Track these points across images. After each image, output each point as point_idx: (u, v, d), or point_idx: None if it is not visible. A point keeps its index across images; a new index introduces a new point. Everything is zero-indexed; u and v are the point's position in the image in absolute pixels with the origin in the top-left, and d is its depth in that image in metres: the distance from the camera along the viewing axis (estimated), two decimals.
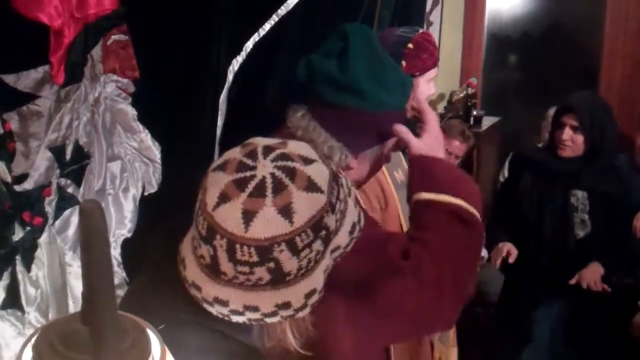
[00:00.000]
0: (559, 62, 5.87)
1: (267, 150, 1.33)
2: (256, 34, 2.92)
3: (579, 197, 3.64)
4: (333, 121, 1.84)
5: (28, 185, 2.48)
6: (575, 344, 3.88)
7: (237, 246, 1.25)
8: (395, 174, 2.60)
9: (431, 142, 1.89)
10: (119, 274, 2.74)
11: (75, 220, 2.59)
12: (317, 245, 1.31)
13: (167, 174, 2.85)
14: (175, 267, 1.39)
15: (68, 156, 2.56)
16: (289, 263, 1.28)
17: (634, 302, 4.37)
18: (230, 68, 2.90)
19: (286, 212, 1.26)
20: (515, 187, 3.82)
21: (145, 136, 2.80)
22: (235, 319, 1.33)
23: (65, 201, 2.58)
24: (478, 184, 2.04)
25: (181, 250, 1.39)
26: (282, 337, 1.41)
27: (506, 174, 4.51)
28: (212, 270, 1.30)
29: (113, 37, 2.64)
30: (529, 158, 3.91)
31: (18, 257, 2.48)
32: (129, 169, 2.78)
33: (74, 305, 2.59)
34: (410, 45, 2.65)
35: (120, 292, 2.72)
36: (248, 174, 1.30)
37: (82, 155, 2.61)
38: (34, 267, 2.52)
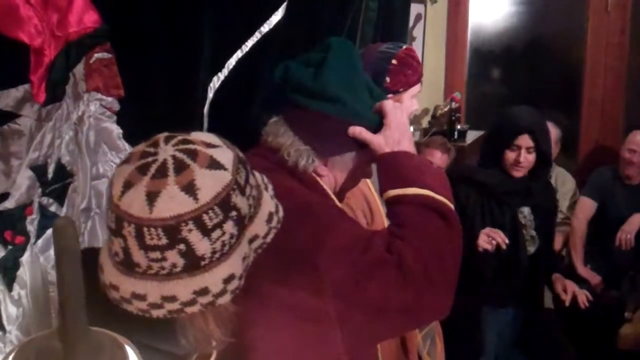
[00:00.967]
0: (542, 76, 5.91)
1: (169, 138, 1.35)
2: (239, 51, 2.93)
3: (525, 214, 3.65)
4: (302, 125, 1.85)
5: (9, 204, 2.46)
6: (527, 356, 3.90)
7: (145, 229, 1.24)
8: None
9: (392, 134, 1.88)
10: None
11: None
12: (229, 226, 1.30)
13: None
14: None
15: (50, 175, 2.55)
16: (201, 245, 1.26)
17: (621, 314, 4.40)
18: (211, 85, 2.90)
19: (190, 189, 1.26)
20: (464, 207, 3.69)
21: None
22: (156, 313, 1.29)
23: (47, 220, 2.56)
24: None
25: (99, 258, 1.35)
26: (205, 327, 1.38)
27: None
28: (126, 264, 1.27)
29: (96, 55, 2.63)
30: (477, 180, 3.73)
31: None
32: None
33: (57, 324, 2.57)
34: (394, 62, 2.66)
35: None
36: (150, 159, 1.30)
37: (64, 174, 2.60)
38: (16, 286, 2.50)
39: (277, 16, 2.93)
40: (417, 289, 1.71)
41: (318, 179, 1.89)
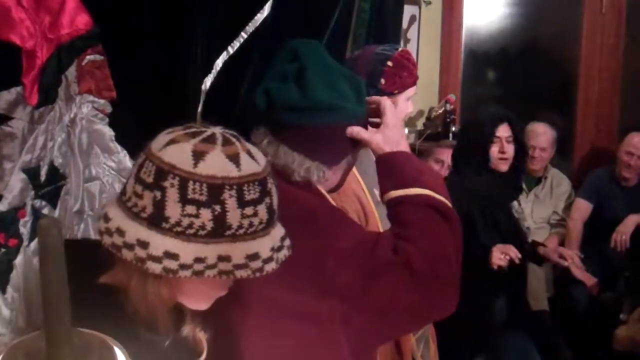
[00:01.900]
0: (537, 78, 5.90)
1: (215, 124, 1.39)
2: (225, 52, 2.92)
3: (516, 207, 3.65)
4: (303, 142, 1.83)
5: (2, 206, 2.46)
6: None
7: (190, 182, 1.26)
8: (375, 191, 2.59)
9: (391, 134, 1.90)
10: None
11: None
12: (262, 211, 1.32)
13: None
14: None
15: (42, 177, 2.55)
16: (233, 214, 1.28)
17: (616, 316, 4.40)
18: (203, 87, 2.90)
19: (234, 159, 1.30)
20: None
21: (124, 157, 2.80)
22: (151, 267, 1.27)
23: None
24: None
25: (104, 207, 1.35)
26: (166, 295, 1.35)
27: None
28: (153, 218, 1.28)
29: (88, 57, 2.63)
30: (474, 189, 3.62)
31: None
32: (108, 189, 2.77)
33: None
34: (389, 63, 2.65)
35: None
36: (199, 129, 1.34)
37: (57, 177, 2.60)
38: (9, 288, 2.50)
39: (262, 14, 2.92)
40: (424, 288, 1.72)
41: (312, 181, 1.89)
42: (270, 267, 1.34)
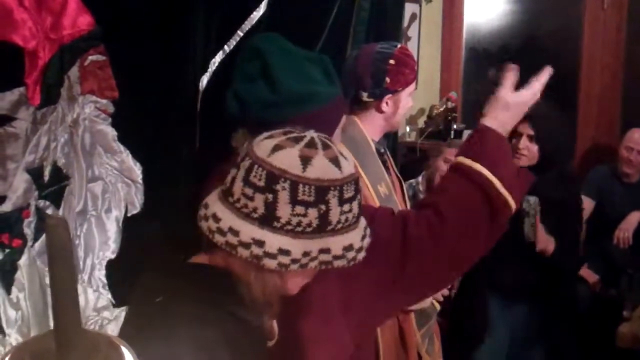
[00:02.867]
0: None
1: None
2: (221, 51, 2.92)
3: (531, 202, 3.60)
4: None
5: (6, 207, 2.47)
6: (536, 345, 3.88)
7: (300, 185, 1.41)
8: (379, 187, 2.60)
9: (502, 114, 1.95)
10: (104, 295, 2.73)
11: None
12: (356, 205, 1.48)
13: (148, 194, 2.85)
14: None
15: (46, 178, 2.55)
16: (335, 212, 1.44)
17: (619, 313, 4.40)
18: (200, 86, 2.91)
19: (335, 162, 1.45)
20: None
21: (126, 157, 2.80)
22: (268, 262, 1.42)
23: (44, 223, 2.56)
24: None
25: (221, 221, 1.46)
26: (280, 284, 1.50)
27: None
28: (265, 218, 1.42)
29: (90, 57, 2.63)
30: None
31: None
32: (111, 189, 2.78)
33: None
34: (391, 62, 2.66)
35: (107, 314, 2.73)
36: (298, 134, 1.48)
37: (60, 177, 2.60)
38: (14, 289, 2.51)
39: (258, 12, 2.92)
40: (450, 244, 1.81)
41: None
42: (361, 255, 1.51)
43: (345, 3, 3.19)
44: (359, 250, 1.50)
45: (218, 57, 2.92)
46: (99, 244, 2.76)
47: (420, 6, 5.52)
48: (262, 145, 1.45)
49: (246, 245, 1.42)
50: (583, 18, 5.68)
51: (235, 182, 1.45)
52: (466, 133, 5.66)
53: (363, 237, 1.52)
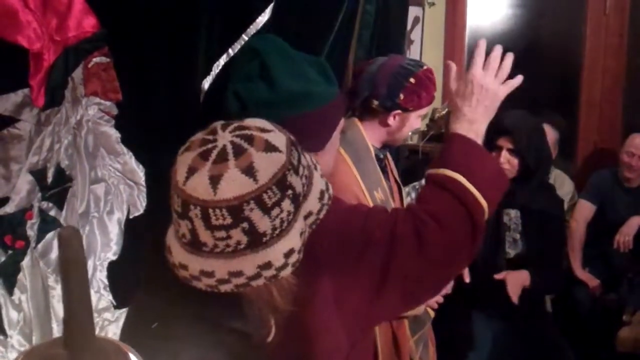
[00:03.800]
0: (540, 79, 5.89)
1: (225, 125, 1.45)
2: (225, 55, 2.92)
3: (512, 215, 3.59)
4: None
5: (9, 208, 2.47)
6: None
7: (210, 211, 1.35)
8: (375, 193, 2.60)
9: (471, 116, 1.92)
10: (106, 297, 2.73)
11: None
12: (287, 204, 1.40)
13: (151, 196, 2.85)
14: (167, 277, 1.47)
15: (49, 179, 2.55)
16: (262, 222, 1.37)
17: (619, 317, 4.40)
18: (202, 88, 2.91)
19: (249, 171, 1.36)
20: None
21: (129, 159, 2.80)
22: (223, 287, 1.41)
23: (47, 224, 2.57)
24: None
25: (166, 240, 1.47)
26: (269, 298, 1.48)
27: None
28: (194, 245, 1.39)
29: (94, 59, 2.63)
30: None
31: (0, 281, 2.47)
32: (114, 191, 2.78)
33: (58, 328, 2.58)
34: (412, 80, 2.63)
35: (108, 315, 2.73)
36: (210, 145, 1.40)
37: (64, 178, 2.61)
38: (16, 290, 2.51)
39: (264, 17, 2.92)
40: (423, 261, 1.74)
41: None
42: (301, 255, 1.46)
43: (351, 8, 3.18)
44: (300, 251, 1.46)
45: (222, 61, 2.91)
46: (101, 245, 2.76)
47: (424, 9, 5.52)
48: (179, 168, 1.41)
49: (197, 278, 1.42)
50: (585, 22, 5.68)
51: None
52: None
53: (302, 233, 1.46)
